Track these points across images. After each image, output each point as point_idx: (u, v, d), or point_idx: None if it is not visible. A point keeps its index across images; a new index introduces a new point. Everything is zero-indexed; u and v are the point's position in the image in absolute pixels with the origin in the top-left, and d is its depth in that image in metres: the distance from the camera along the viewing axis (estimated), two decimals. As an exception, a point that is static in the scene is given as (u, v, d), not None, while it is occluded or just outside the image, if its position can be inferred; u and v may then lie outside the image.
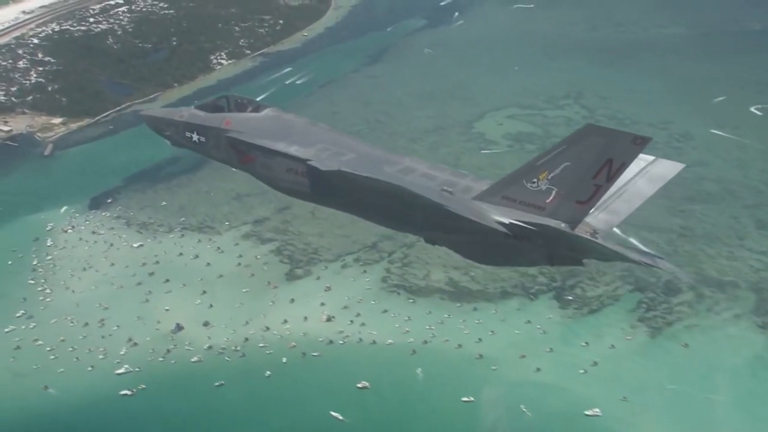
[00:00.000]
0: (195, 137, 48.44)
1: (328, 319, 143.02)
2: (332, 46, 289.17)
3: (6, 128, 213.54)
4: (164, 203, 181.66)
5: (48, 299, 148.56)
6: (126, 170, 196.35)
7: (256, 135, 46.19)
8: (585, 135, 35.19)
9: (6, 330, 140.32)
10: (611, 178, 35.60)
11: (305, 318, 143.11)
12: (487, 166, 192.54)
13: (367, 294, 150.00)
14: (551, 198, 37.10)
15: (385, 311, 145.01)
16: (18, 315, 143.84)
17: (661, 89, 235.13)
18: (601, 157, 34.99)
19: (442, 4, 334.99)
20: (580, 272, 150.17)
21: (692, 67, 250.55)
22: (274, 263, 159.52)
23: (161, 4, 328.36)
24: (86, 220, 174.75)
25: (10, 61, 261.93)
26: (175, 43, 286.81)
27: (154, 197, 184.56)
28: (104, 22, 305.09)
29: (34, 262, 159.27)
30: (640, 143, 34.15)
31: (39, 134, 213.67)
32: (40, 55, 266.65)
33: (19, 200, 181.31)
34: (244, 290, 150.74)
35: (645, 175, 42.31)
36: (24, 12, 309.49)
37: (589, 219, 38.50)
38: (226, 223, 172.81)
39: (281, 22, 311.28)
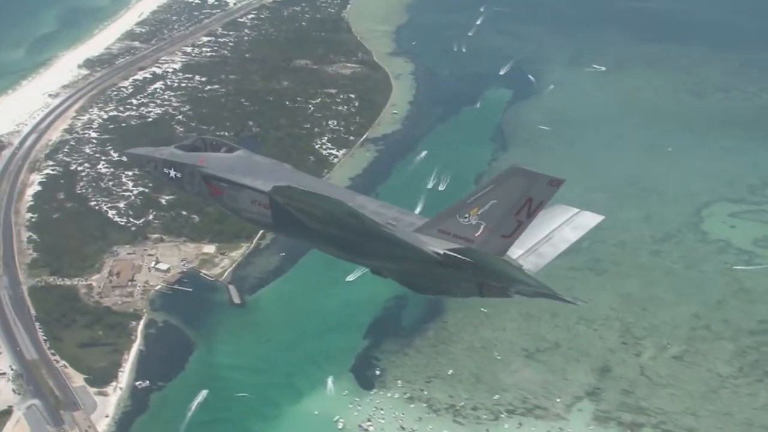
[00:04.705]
0: (172, 173, 50.39)
1: None
2: (436, 126, 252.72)
3: (163, 267, 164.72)
4: (450, 371, 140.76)
5: None
6: (352, 320, 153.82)
7: (226, 171, 47.80)
8: (510, 176, 36.54)
9: None
10: (531, 215, 36.89)
11: None
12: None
13: None
14: (480, 231, 38.23)
15: None
16: None
17: None
18: (523, 196, 36.36)
19: (502, 73, 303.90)
20: None
21: None
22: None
23: (197, 78, 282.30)
24: (375, 408, 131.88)
25: (87, 165, 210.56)
26: (256, 129, 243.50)
27: (428, 363, 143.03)
28: (151, 104, 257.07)
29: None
30: (555, 185, 35.38)
31: (205, 272, 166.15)
32: (113, 154, 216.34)
33: (263, 381, 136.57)
34: None
35: (570, 223, 45.33)
36: (50, 95, 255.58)
37: (519, 260, 41.22)
38: (557, 400, 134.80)
39: (353, 96, 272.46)
